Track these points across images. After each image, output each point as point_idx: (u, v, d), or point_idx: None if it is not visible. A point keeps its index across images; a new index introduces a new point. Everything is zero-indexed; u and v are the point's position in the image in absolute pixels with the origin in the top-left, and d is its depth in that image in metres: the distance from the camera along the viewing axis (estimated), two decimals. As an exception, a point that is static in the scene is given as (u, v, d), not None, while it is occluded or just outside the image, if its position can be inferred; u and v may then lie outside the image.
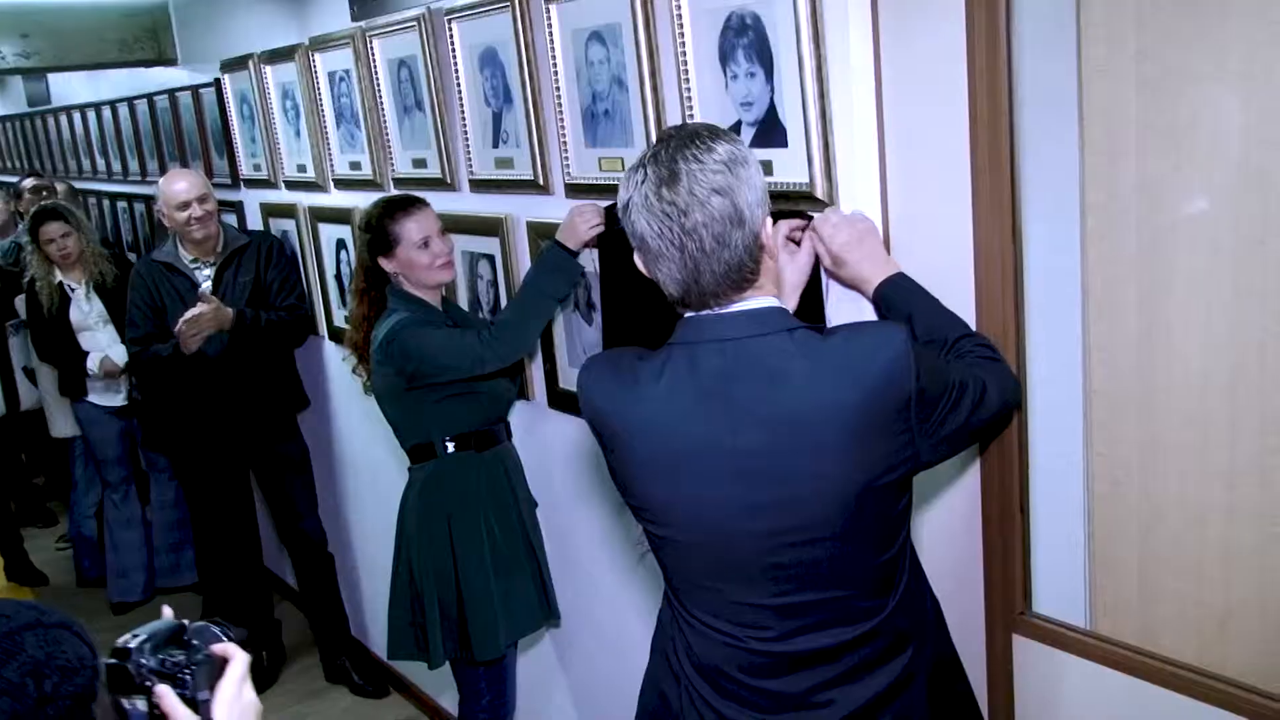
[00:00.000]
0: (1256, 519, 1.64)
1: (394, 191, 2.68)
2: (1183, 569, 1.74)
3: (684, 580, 1.63)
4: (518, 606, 2.73)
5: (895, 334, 1.46)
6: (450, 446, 2.68)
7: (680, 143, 1.46)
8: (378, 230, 2.61)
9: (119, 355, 4.43)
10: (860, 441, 1.45)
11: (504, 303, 2.87)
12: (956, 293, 1.80)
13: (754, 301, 1.50)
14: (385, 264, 2.62)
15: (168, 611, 1.42)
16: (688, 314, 1.54)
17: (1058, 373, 1.82)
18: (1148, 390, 1.73)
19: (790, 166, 1.94)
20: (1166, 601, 1.77)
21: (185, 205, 3.64)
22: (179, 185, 3.66)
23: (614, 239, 2.29)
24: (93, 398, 4.63)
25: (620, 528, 2.71)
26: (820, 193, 1.89)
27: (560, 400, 2.77)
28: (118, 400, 4.64)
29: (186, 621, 1.38)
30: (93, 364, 4.49)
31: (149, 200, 5.00)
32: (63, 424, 4.93)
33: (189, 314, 3.48)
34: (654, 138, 2.18)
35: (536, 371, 2.83)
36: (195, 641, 1.35)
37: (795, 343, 1.48)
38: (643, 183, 1.46)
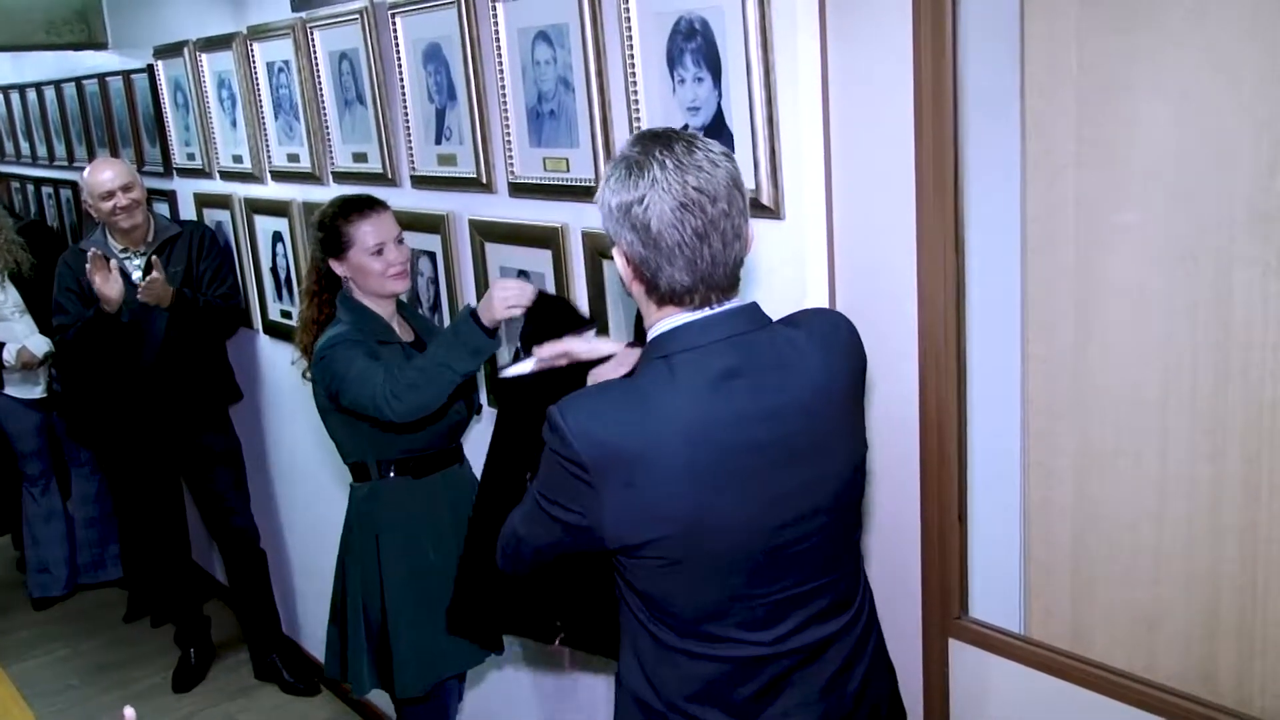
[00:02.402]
0: (1185, 526, 1.68)
1: (351, 191, 2.53)
2: (1114, 575, 1.77)
3: (689, 607, 1.54)
4: (448, 643, 2.41)
5: (835, 310, 1.54)
6: (390, 471, 2.54)
7: (687, 141, 1.45)
8: (330, 230, 2.46)
9: (37, 346, 4.29)
10: (854, 411, 1.57)
11: (444, 301, 2.84)
12: (899, 301, 1.81)
13: (740, 298, 1.52)
14: (336, 267, 2.48)
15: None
16: (668, 322, 1.49)
17: (997, 382, 1.85)
18: (1083, 400, 1.76)
19: (737, 172, 1.94)
20: (1098, 607, 1.80)
21: (110, 195, 3.54)
22: (104, 175, 3.56)
23: (513, 389, 1.91)
24: (9, 390, 4.46)
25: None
26: (766, 199, 1.89)
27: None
28: (35, 392, 4.48)
29: None
30: (9, 355, 4.32)
31: (76, 186, 4.85)
32: None
33: (146, 280, 3.38)
34: (610, 139, 2.19)
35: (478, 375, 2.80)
36: None
37: (781, 332, 1.52)
38: (663, 175, 1.42)
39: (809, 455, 1.50)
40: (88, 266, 3.33)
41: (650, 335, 1.52)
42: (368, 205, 2.48)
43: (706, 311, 1.48)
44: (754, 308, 1.52)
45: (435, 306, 2.89)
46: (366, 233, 2.44)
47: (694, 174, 1.42)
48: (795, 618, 1.54)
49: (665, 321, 1.49)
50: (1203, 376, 1.63)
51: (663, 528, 1.47)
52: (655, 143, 1.45)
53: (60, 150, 5.34)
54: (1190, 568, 1.69)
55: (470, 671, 2.76)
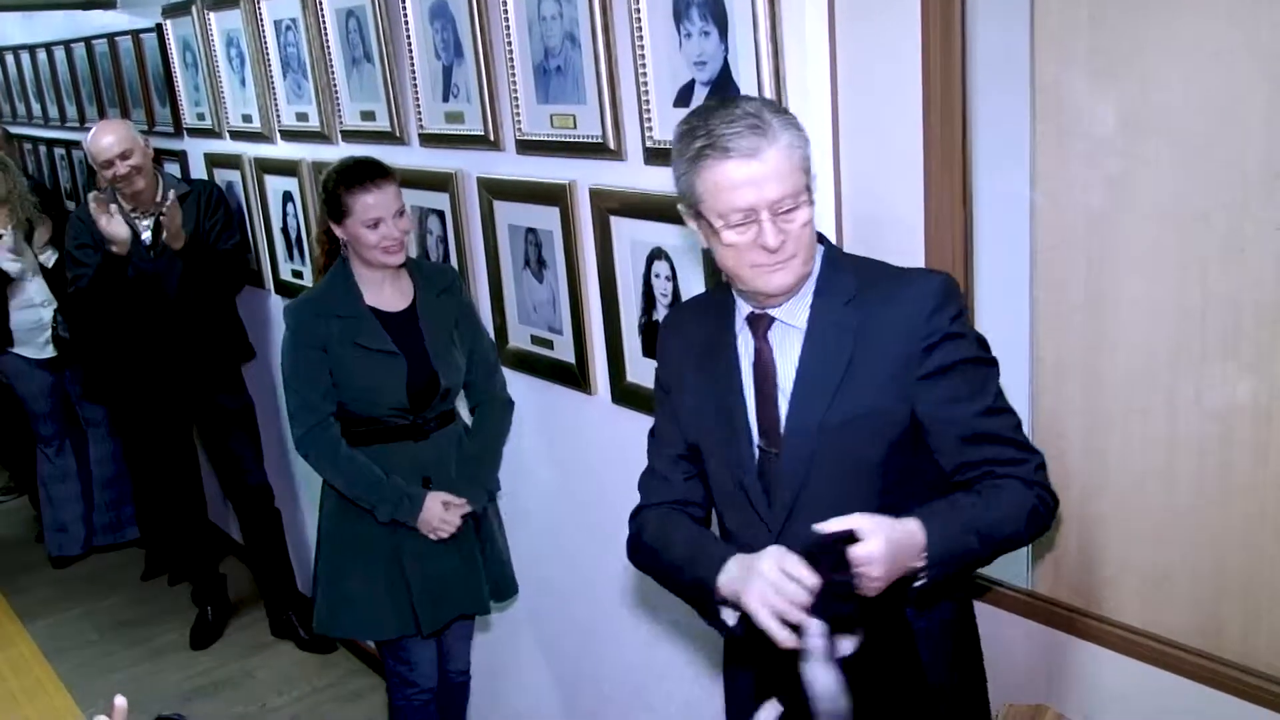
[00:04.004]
0: (1194, 484, 1.67)
1: (358, 154, 2.55)
2: (1122, 533, 1.76)
3: None
4: (363, 606, 2.65)
5: None
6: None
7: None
8: (332, 197, 2.49)
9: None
10: None
11: (454, 259, 2.83)
12: (906, 257, 1.79)
13: None
14: (335, 230, 2.53)
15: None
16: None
17: (1006, 341, 1.82)
18: (1092, 359, 1.74)
19: (744, 128, 1.92)
20: (1106, 563, 1.79)
21: (109, 164, 3.51)
22: (104, 141, 3.51)
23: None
24: (19, 349, 4.47)
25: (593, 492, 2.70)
26: (774, 155, 1.87)
27: (510, 359, 2.74)
28: (46, 352, 4.48)
29: None
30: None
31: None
32: None
33: (168, 205, 3.39)
34: (617, 95, 2.18)
35: (485, 328, 2.80)
36: None
37: None
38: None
39: None
40: (92, 208, 3.34)
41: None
42: (369, 176, 2.48)
43: None
44: None
45: (444, 263, 2.87)
46: (366, 205, 2.46)
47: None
48: None
49: None
50: (1212, 335, 1.61)
51: None
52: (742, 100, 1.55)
53: (71, 111, 5.32)
54: (1198, 525, 1.68)
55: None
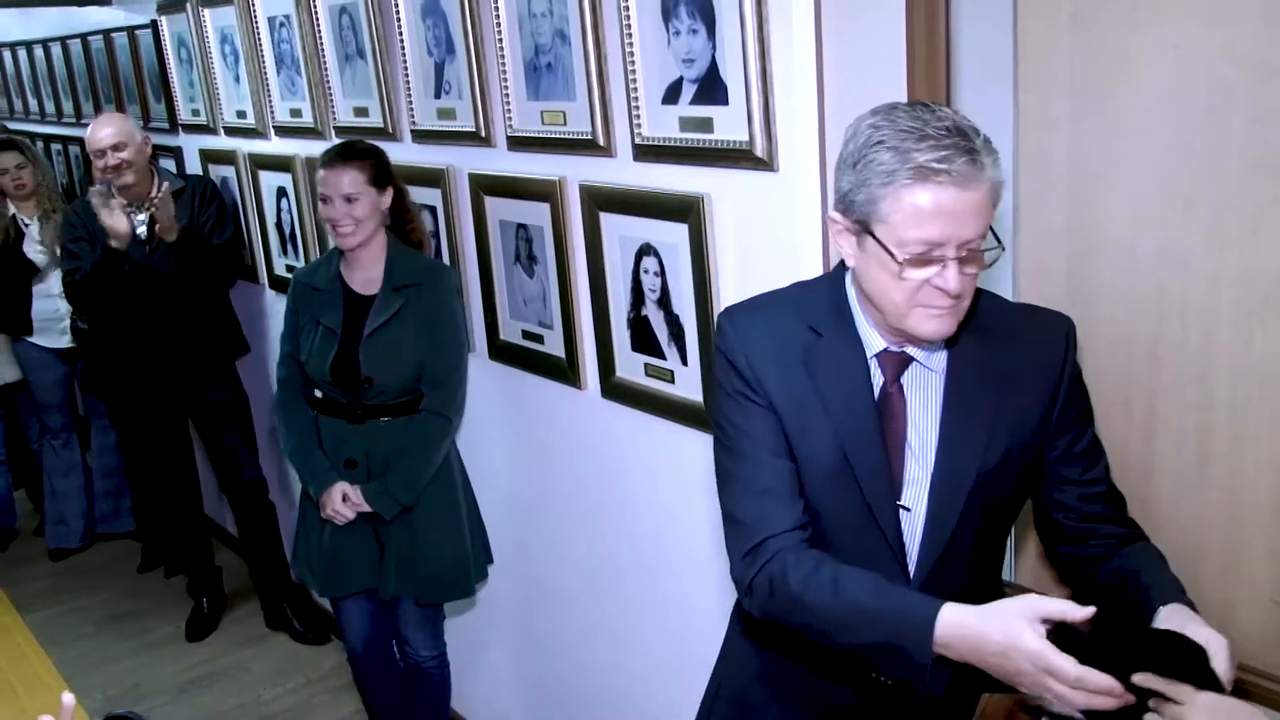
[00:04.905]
0: (1172, 475, 1.69)
1: (336, 140, 2.66)
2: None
3: None
4: (302, 554, 2.89)
5: None
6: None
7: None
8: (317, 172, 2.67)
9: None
10: None
11: (445, 255, 2.84)
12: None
13: None
14: None
15: (67, 700, 1.30)
16: None
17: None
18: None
19: (731, 124, 1.93)
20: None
21: (101, 153, 3.52)
22: (101, 132, 3.54)
23: None
24: (36, 338, 4.51)
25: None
26: (760, 151, 1.88)
27: (501, 353, 2.76)
28: (62, 341, 4.51)
29: None
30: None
31: (83, 143, 4.85)
32: None
33: (160, 196, 3.45)
34: (606, 92, 2.17)
35: (477, 323, 2.81)
36: None
37: None
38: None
39: None
40: (94, 201, 3.38)
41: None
42: (331, 156, 2.65)
43: None
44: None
45: (436, 258, 2.88)
46: (320, 180, 2.64)
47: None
48: None
49: None
50: (1193, 326, 1.63)
51: None
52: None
53: (68, 107, 5.33)
54: (1176, 512, 1.70)
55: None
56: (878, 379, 1.47)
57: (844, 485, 1.47)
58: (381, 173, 2.65)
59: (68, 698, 1.28)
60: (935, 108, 1.34)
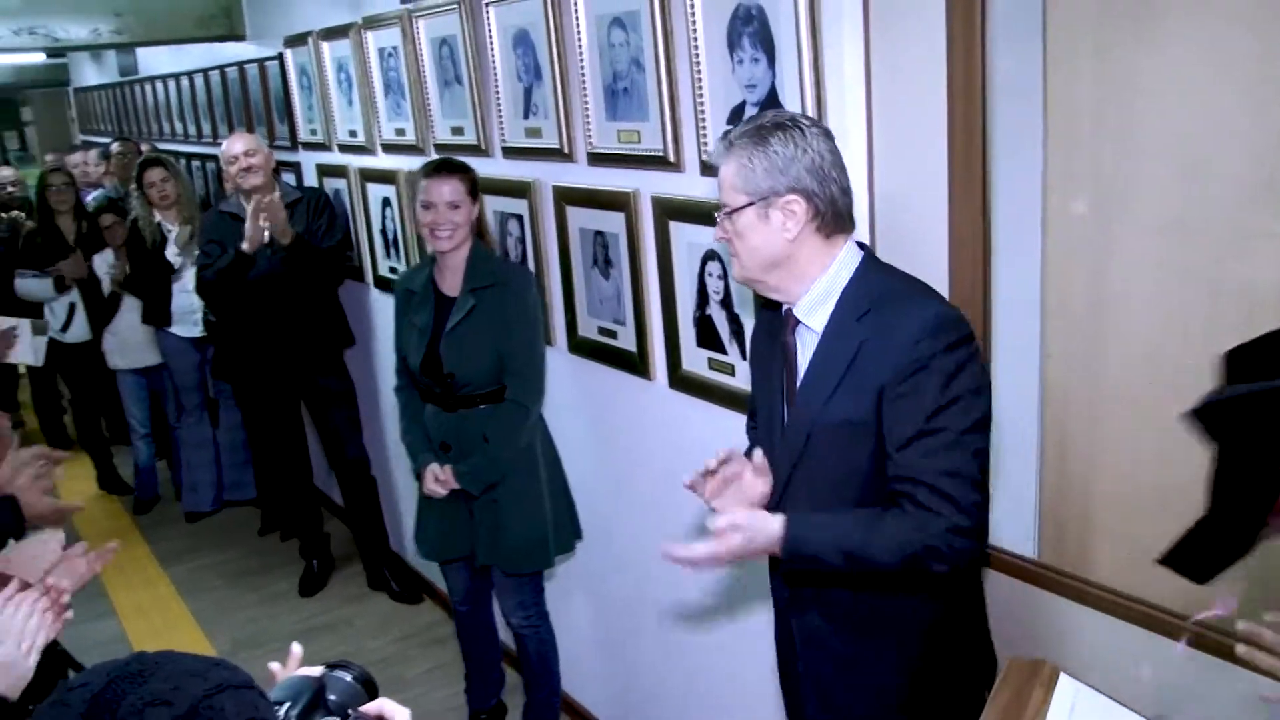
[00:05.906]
0: (1186, 466, 1.65)
1: (435, 156, 2.73)
2: (1121, 511, 1.75)
3: None
4: (428, 532, 2.94)
5: None
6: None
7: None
8: (418, 182, 2.73)
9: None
10: None
11: (530, 259, 2.88)
12: (932, 261, 1.80)
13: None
14: None
15: (296, 649, 1.28)
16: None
17: (1019, 336, 1.83)
18: (1096, 355, 1.74)
19: (787, 143, 1.93)
20: (1105, 536, 1.78)
21: (233, 160, 3.67)
22: (235, 146, 3.70)
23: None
24: (175, 329, 4.68)
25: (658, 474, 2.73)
26: (813, 168, 1.88)
27: (579, 347, 2.79)
28: (195, 331, 4.68)
29: (323, 669, 1.17)
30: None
31: (219, 158, 5.00)
32: (118, 358, 4.98)
33: (268, 200, 3.53)
34: (677, 114, 2.21)
35: (558, 320, 2.84)
36: (340, 700, 1.14)
37: None
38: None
39: None
40: (250, 206, 3.52)
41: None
42: (436, 169, 2.70)
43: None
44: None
45: (522, 261, 2.93)
46: (424, 188, 2.68)
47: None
48: None
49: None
50: (1206, 333, 1.60)
51: None
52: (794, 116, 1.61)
53: (206, 128, 5.49)
54: (1189, 503, 1.67)
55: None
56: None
57: (767, 419, 1.75)
58: (474, 186, 2.71)
59: (296, 647, 1.28)
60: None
